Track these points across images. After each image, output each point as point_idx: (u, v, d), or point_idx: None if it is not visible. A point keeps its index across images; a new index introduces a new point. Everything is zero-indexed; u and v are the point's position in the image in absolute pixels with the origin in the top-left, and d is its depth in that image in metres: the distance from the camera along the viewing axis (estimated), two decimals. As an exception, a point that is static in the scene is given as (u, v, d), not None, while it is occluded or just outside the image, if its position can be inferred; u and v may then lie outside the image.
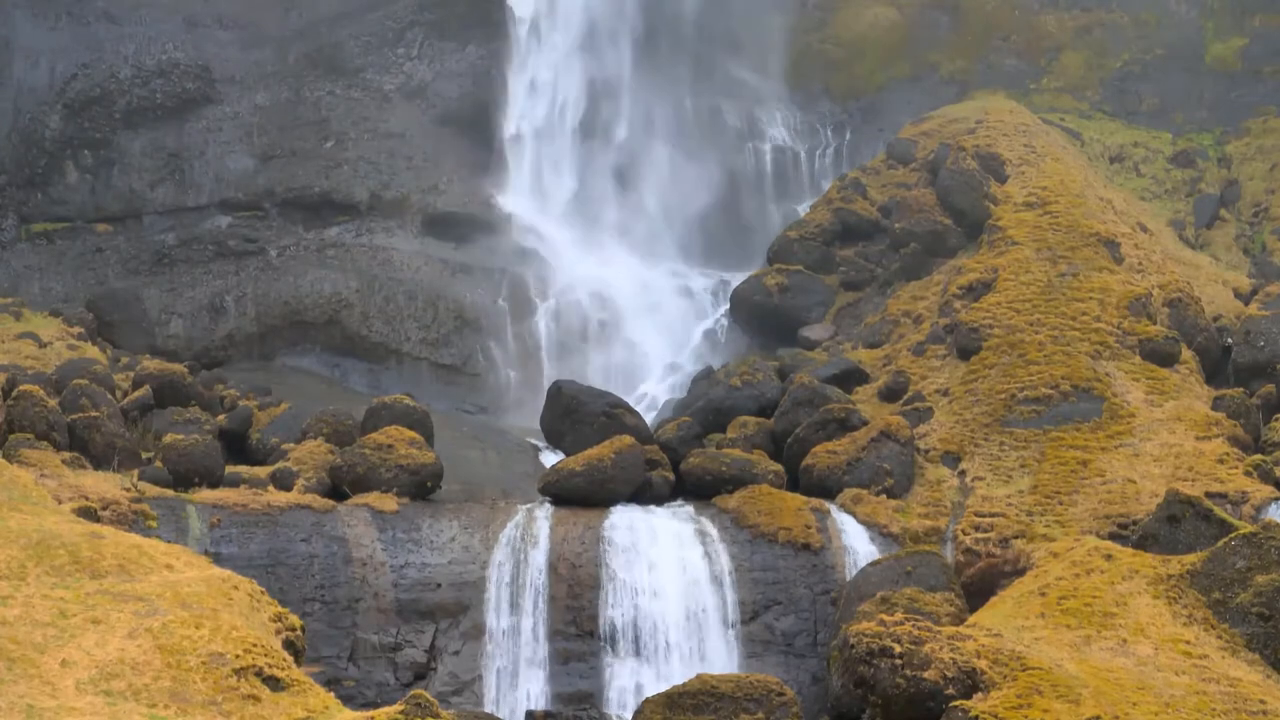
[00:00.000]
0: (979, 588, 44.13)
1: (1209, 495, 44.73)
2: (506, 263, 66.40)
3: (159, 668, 30.11)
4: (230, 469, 46.72)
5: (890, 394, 53.24)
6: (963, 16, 78.43)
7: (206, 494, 44.48)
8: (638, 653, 43.52)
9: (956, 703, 34.52)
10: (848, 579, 44.42)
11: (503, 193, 68.80)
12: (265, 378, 59.66)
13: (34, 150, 66.18)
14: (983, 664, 35.34)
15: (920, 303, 58.18)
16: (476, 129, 69.64)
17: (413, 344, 64.16)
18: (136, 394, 50.54)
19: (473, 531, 45.16)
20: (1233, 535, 39.72)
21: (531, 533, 44.97)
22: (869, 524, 46.38)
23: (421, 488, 46.50)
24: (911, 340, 55.76)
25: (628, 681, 43.14)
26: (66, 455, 44.60)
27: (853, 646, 36.13)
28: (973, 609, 42.12)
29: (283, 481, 45.98)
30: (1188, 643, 37.49)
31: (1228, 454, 47.73)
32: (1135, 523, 44.85)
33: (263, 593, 34.97)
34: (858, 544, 45.67)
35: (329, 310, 64.23)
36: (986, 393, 51.22)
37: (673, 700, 36.94)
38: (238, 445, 50.00)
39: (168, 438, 46.54)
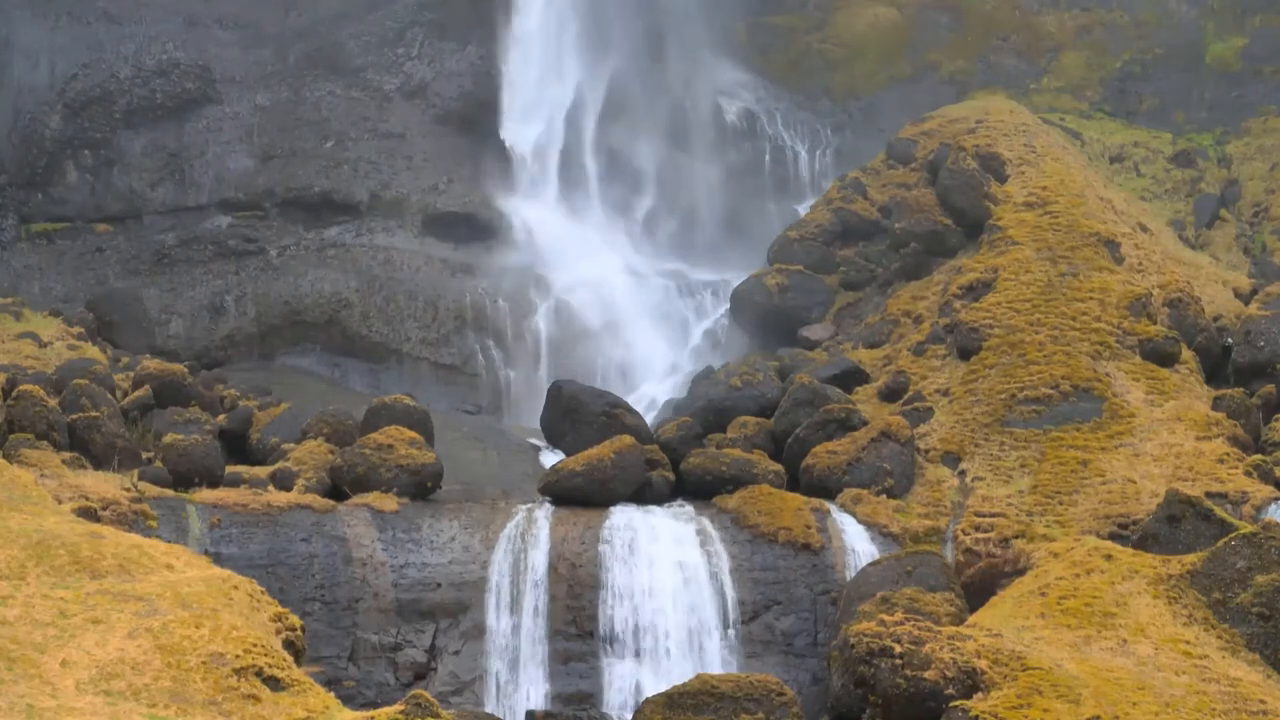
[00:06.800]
0: (979, 588, 44.11)
1: (1209, 495, 44.71)
2: (506, 262, 66.42)
3: (159, 668, 30.10)
4: (230, 469, 46.66)
5: (890, 394, 53.22)
6: (963, 16, 78.49)
7: (206, 494, 44.41)
8: (638, 653, 43.48)
9: (956, 703, 34.54)
10: (848, 579, 44.38)
11: (503, 192, 68.78)
12: (265, 378, 59.62)
13: (34, 150, 66.16)
14: (983, 664, 35.35)
15: (920, 303, 58.15)
16: (476, 129, 69.64)
17: (413, 344, 64.12)
18: (136, 394, 50.51)
19: (473, 531, 45.15)
20: (1233, 535, 39.70)
21: (532, 533, 44.96)
22: (869, 524, 46.34)
23: (422, 488, 46.44)
24: (911, 340, 55.71)
25: (628, 681, 43.11)
26: (66, 455, 44.52)
27: (853, 646, 36.14)
28: (973, 609, 42.10)
29: (283, 481, 45.96)
30: (1188, 643, 37.49)
31: (1228, 454, 47.72)
32: (1135, 523, 44.84)
33: (263, 593, 34.91)
34: (858, 544, 45.62)
35: (329, 310, 64.20)
36: (986, 393, 51.22)
37: (673, 700, 36.91)
38: (238, 445, 49.94)
39: (168, 438, 46.49)
